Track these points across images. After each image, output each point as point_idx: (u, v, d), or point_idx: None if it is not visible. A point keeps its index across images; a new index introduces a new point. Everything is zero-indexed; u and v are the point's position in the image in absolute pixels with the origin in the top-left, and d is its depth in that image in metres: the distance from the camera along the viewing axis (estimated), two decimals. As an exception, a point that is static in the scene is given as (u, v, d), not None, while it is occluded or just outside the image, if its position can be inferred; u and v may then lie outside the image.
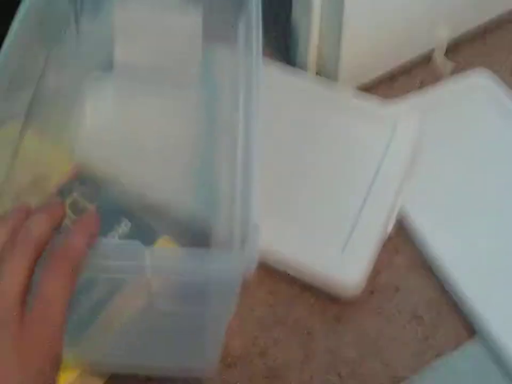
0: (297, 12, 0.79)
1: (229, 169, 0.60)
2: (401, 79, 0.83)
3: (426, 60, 0.84)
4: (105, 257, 0.43)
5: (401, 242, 0.69)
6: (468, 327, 0.64)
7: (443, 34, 0.83)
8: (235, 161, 0.57)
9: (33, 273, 0.39)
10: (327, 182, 0.70)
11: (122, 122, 0.70)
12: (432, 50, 0.84)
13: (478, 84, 0.80)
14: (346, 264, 0.64)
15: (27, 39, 0.58)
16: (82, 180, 0.63)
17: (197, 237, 0.62)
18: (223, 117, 0.69)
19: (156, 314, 0.51)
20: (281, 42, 0.82)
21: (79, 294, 0.40)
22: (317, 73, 0.80)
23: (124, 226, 0.60)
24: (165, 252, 0.45)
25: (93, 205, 0.62)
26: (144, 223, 0.61)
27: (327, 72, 0.79)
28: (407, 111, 0.75)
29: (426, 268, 0.67)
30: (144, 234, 0.60)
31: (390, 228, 0.68)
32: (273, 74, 0.77)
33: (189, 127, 0.69)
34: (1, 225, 0.41)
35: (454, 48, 0.85)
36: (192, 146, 0.68)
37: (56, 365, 0.39)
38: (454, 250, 0.67)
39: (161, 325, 0.52)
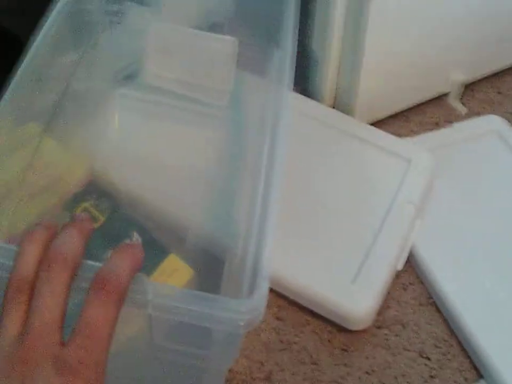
0: (316, 44, 0.79)
1: (249, 200, 0.59)
2: (416, 118, 0.83)
3: (441, 101, 0.84)
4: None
5: (411, 279, 0.68)
6: (474, 370, 0.63)
7: (458, 78, 0.84)
8: (256, 192, 0.56)
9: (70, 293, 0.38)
10: (341, 213, 0.69)
11: (144, 139, 0.68)
12: (448, 93, 0.84)
13: (490, 129, 0.80)
14: (355, 296, 0.63)
15: (56, 42, 0.57)
16: (96, 189, 0.62)
17: (208, 261, 0.61)
18: (248, 147, 0.68)
19: (153, 348, 0.49)
20: (298, 71, 0.82)
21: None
22: (332, 106, 0.80)
23: (135, 241, 0.59)
24: (169, 290, 0.43)
25: (104, 216, 0.61)
26: (154, 240, 0.60)
27: (342, 105, 0.79)
28: (421, 148, 0.74)
29: (434, 307, 0.66)
30: (153, 250, 0.59)
31: (401, 264, 0.67)
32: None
33: (213, 153, 0.69)
34: (29, 241, 0.40)
35: (469, 91, 0.86)
36: (213, 172, 0.67)
37: None
38: (463, 291, 0.66)
39: (158, 362, 0.50)
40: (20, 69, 0.53)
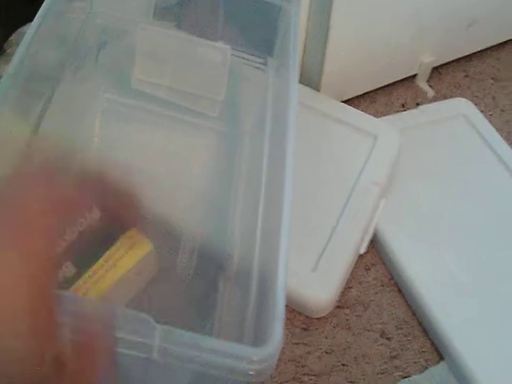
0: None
1: (251, 207, 0.58)
2: (382, 99, 0.82)
3: (408, 83, 0.84)
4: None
5: (374, 259, 0.68)
6: (435, 351, 0.62)
7: (427, 61, 0.83)
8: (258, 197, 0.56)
9: None
10: (303, 194, 0.67)
11: (130, 146, 0.65)
12: (415, 75, 0.84)
13: (457, 112, 0.80)
14: (316, 285, 0.62)
15: (47, 39, 0.55)
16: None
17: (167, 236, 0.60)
18: (245, 153, 0.66)
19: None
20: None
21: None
22: (299, 82, 0.79)
23: (94, 215, 0.58)
24: (178, 335, 0.39)
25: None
26: (114, 214, 0.58)
27: (308, 82, 0.78)
28: (388, 126, 0.73)
29: (397, 288, 0.66)
30: (113, 224, 0.57)
31: (364, 247, 0.66)
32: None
33: (208, 158, 0.66)
34: None
35: (437, 74, 0.85)
36: (208, 178, 0.65)
37: None
38: (425, 272, 0.65)
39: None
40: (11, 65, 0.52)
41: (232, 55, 0.65)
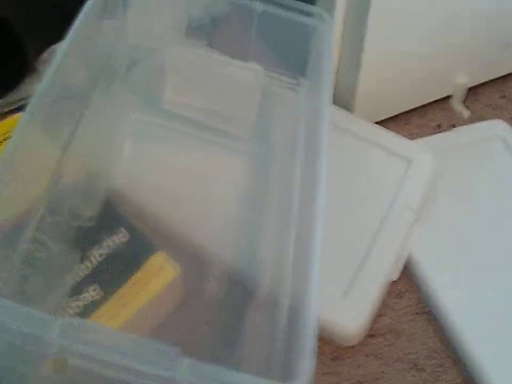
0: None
1: (282, 230, 0.57)
2: (417, 120, 0.81)
3: (443, 104, 0.82)
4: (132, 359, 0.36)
5: (406, 287, 0.66)
6: (469, 382, 0.60)
7: (462, 81, 0.82)
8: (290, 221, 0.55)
9: None
10: (335, 219, 0.65)
11: (164, 167, 0.65)
12: (450, 96, 0.82)
13: (493, 134, 0.78)
14: (347, 312, 0.60)
15: (78, 57, 0.55)
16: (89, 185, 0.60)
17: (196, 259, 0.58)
18: (276, 176, 0.65)
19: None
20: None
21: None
22: (333, 103, 0.78)
23: (122, 237, 0.57)
24: (205, 370, 0.37)
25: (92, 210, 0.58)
26: (142, 236, 0.58)
27: (342, 103, 0.76)
28: (423, 149, 0.72)
29: (430, 316, 0.64)
30: (141, 247, 0.57)
31: (396, 273, 0.64)
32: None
33: (239, 181, 0.65)
34: None
35: (473, 95, 0.84)
36: (239, 201, 0.64)
37: None
38: (459, 301, 0.63)
39: None
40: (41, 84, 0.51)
41: (264, 75, 0.64)
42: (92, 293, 0.53)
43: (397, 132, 0.75)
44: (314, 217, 0.48)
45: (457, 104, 0.82)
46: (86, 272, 0.54)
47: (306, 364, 0.39)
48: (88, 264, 0.54)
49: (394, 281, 0.65)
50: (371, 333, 0.62)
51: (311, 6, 0.63)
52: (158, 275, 0.55)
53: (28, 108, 0.49)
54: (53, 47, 0.70)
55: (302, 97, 0.65)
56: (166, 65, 0.65)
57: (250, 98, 0.65)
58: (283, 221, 0.57)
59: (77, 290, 0.53)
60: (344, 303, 0.60)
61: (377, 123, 0.76)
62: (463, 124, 0.80)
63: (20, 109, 0.65)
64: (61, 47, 0.54)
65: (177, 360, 0.37)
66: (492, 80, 0.85)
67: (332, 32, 0.62)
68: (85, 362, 0.37)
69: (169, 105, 0.65)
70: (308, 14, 0.62)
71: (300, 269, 0.50)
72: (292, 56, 0.65)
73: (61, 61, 0.53)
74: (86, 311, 0.52)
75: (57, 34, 0.62)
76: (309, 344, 0.40)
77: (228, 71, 0.65)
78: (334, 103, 0.77)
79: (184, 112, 0.65)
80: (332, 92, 0.76)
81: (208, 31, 0.67)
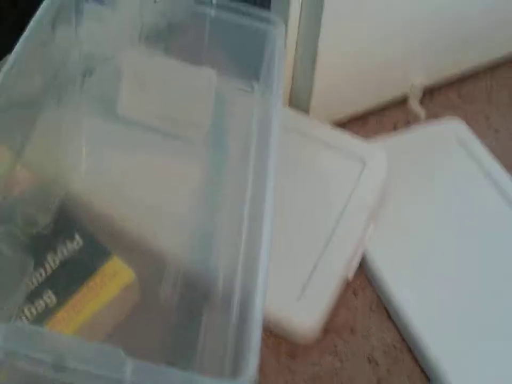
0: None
1: (234, 232, 0.58)
2: (374, 119, 0.82)
3: (400, 102, 0.83)
4: (77, 360, 0.37)
5: (362, 284, 0.67)
6: (424, 377, 0.61)
7: (419, 81, 0.83)
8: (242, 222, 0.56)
9: None
10: (290, 220, 0.67)
11: (120, 172, 0.65)
12: (407, 94, 0.83)
13: (449, 133, 0.79)
14: (301, 313, 0.61)
15: (30, 66, 0.56)
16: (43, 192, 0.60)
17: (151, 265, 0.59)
18: (230, 179, 0.65)
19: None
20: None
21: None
22: (289, 105, 0.79)
23: (77, 242, 0.58)
24: (150, 369, 0.38)
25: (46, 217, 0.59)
26: (96, 242, 0.58)
27: (297, 105, 0.77)
28: (377, 149, 0.73)
29: (385, 313, 0.65)
30: (95, 253, 0.57)
31: (351, 273, 0.66)
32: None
33: (193, 184, 0.66)
34: None
35: (429, 94, 0.85)
36: (193, 204, 0.65)
37: None
38: (414, 298, 0.65)
39: None
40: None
41: (217, 80, 0.65)
42: (46, 300, 0.53)
43: (354, 132, 0.76)
44: (264, 217, 0.49)
45: (414, 104, 0.83)
46: (40, 279, 0.54)
47: (250, 362, 0.39)
48: (43, 271, 0.55)
49: (350, 279, 0.66)
50: (326, 330, 0.63)
51: (263, 11, 0.64)
52: (113, 280, 0.55)
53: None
54: (7, 57, 0.71)
55: (256, 101, 0.65)
56: (121, 71, 0.65)
57: (204, 103, 0.65)
58: (235, 222, 0.58)
59: (31, 297, 0.53)
60: (299, 301, 0.61)
61: (334, 123, 0.78)
62: (419, 124, 0.81)
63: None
64: (12, 55, 0.54)
65: (121, 361, 0.38)
66: (448, 80, 0.87)
67: (283, 36, 0.62)
68: (31, 366, 0.38)
69: (125, 111, 0.66)
70: (261, 19, 0.63)
71: (249, 267, 0.51)
72: (245, 60, 0.66)
73: (11, 68, 0.53)
74: (41, 318, 0.53)
75: (10, 45, 0.63)
76: (253, 342, 0.41)
77: (182, 76, 0.66)
78: (290, 105, 0.78)
79: (140, 117, 0.66)
80: (288, 95, 0.77)
81: (164, 37, 0.68)
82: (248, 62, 0.66)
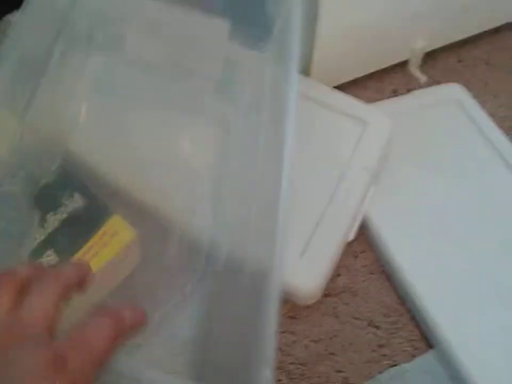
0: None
1: (244, 192, 0.57)
2: (374, 85, 0.81)
3: (400, 68, 0.83)
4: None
5: (362, 246, 0.67)
6: (424, 340, 0.62)
7: (419, 46, 0.82)
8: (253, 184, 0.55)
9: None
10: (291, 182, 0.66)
11: (122, 128, 0.64)
12: (407, 60, 0.83)
13: (450, 98, 0.79)
14: (303, 272, 0.61)
15: (35, 26, 0.55)
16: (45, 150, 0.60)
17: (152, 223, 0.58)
18: (240, 136, 0.64)
19: None
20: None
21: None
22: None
23: (77, 202, 0.57)
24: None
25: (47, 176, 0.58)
26: (97, 201, 0.58)
27: (299, 67, 0.76)
28: (378, 112, 0.72)
29: (386, 275, 0.65)
30: (96, 211, 0.57)
31: (352, 233, 0.65)
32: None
33: (199, 141, 0.65)
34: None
35: (430, 60, 0.84)
36: (200, 162, 0.64)
37: None
38: (415, 260, 0.65)
39: None
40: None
41: (230, 33, 0.64)
42: (47, 258, 0.53)
43: (354, 97, 0.75)
44: (281, 180, 0.48)
45: (414, 69, 0.83)
46: (41, 238, 0.54)
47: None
48: (44, 230, 0.54)
49: (350, 242, 0.66)
50: (327, 292, 0.63)
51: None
52: (114, 239, 0.55)
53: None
54: (7, 16, 0.70)
55: (268, 59, 0.64)
56: (131, 21, 0.64)
57: (216, 54, 0.64)
58: (245, 183, 0.57)
59: (33, 256, 0.53)
60: (300, 263, 0.61)
61: (334, 88, 0.77)
62: (420, 89, 0.80)
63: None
64: (17, 17, 0.53)
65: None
66: (448, 45, 0.86)
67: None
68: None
69: (132, 60, 0.64)
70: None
71: (263, 236, 0.50)
72: (257, 18, 0.65)
73: (17, 31, 0.53)
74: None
75: (10, 4, 0.62)
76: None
77: (194, 26, 0.64)
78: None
79: (148, 67, 0.64)
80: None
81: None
82: (261, 21, 0.64)
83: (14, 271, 0.37)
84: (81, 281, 0.39)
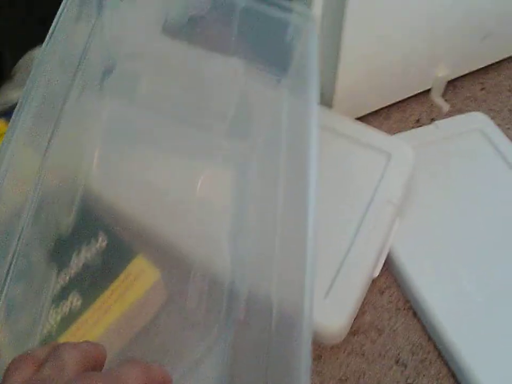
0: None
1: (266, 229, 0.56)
2: (397, 115, 0.81)
3: (423, 97, 0.82)
4: None
5: (388, 282, 0.66)
6: (452, 377, 0.61)
7: (442, 75, 0.82)
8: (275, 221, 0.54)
9: None
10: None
11: (141, 166, 0.63)
12: (430, 89, 0.82)
13: (473, 127, 0.78)
14: (328, 312, 0.60)
15: (55, 62, 0.55)
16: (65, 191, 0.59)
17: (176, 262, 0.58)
18: (257, 173, 0.64)
19: None
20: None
21: None
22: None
23: (101, 241, 0.57)
24: None
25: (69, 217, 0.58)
26: (121, 241, 0.58)
27: (321, 99, 0.76)
28: (402, 143, 0.71)
29: (412, 312, 0.64)
30: (120, 252, 0.56)
31: (377, 270, 0.64)
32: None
33: (218, 179, 0.64)
34: None
35: (452, 88, 0.83)
36: (218, 200, 0.63)
37: None
38: (441, 296, 0.64)
39: None
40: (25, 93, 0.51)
41: (245, 71, 0.64)
42: (72, 301, 0.53)
43: (377, 127, 0.74)
44: (306, 217, 0.48)
45: (437, 98, 0.82)
46: (65, 281, 0.54)
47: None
48: (68, 273, 0.54)
49: (376, 278, 0.65)
50: (353, 331, 0.62)
51: (294, 3, 0.62)
52: (139, 280, 0.54)
53: (14, 118, 0.49)
54: (30, 52, 0.70)
55: (284, 95, 0.64)
56: (143, 61, 0.64)
57: (230, 94, 0.64)
58: (268, 221, 0.56)
59: (56, 299, 0.52)
60: (326, 302, 0.60)
61: (357, 119, 0.76)
62: (443, 118, 0.80)
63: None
64: (40, 54, 0.53)
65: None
66: (471, 73, 0.85)
67: (315, 30, 0.61)
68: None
69: (146, 101, 0.64)
70: (291, 11, 0.62)
71: (290, 273, 0.49)
72: (274, 53, 0.64)
73: (40, 67, 0.52)
74: (67, 320, 0.52)
75: (32, 40, 0.62)
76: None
77: (207, 66, 0.64)
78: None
79: (162, 107, 0.64)
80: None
81: (189, 29, 0.67)
82: (277, 55, 0.64)
83: (33, 351, 0.36)
84: (99, 356, 0.38)
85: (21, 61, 0.69)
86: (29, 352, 0.36)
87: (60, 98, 0.58)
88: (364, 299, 0.63)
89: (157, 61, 0.65)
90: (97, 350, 0.37)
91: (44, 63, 0.55)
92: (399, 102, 0.81)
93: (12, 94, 0.68)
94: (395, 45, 0.74)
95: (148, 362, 0.37)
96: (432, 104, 0.82)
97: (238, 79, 0.64)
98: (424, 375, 0.61)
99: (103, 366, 0.38)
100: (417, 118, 0.80)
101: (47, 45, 0.56)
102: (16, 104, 0.51)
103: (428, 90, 0.82)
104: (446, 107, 0.81)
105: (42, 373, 0.34)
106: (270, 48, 0.64)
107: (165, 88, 0.65)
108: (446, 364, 0.61)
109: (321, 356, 0.61)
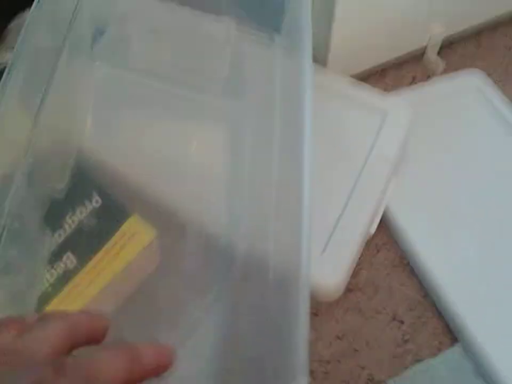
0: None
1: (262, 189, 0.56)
2: (392, 73, 0.80)
3: (418, 56, 0.81)
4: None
5: (384, 239, 0.66)
6: (449, 333, 0.61)
7: (437, 32, 0.81)
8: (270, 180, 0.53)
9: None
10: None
11: (134, 126, 0.63)
12: (425, 47, 0.81)
13: (470, 84, 0.77)
14: (325, 268, 0.59)
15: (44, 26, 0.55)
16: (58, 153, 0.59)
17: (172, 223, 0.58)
18: (252, 132, 0.63)
19: None
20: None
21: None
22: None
23: (95, 202, 0.57)
24: None
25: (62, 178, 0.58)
26: (115, 201, 0.57)
27: (315, 57, 0.75)
28: (398, 101, 0.71)
29: (409, 269, 0.64)
30: (114, 212, 0.56)
31: (373, 227, 0.64)
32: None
33: (212, 138, 0.64)
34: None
35: (448, 46, 0.83)
36: (212, 160, 0.63)
37: None
38: (438, 253, 0.64)
39: None
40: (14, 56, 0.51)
41: (236, 30, 0.63)
42: (66, 262, 0.53)
43: (373, 86, 0.74)
44: (301, 175, 0.47)
45: (432, 56, 0.81)
46: (60, 241, 0.53)
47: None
48: (62, 233, 0.54)
49: (372, 236, 0.64)
50: (350, 288, 0.62)
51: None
52: (133, 240, 0.54)
53: (4, 79, 0.49)
54: (20, 15, 0.69)
55: (278, 54, 0.63)
56: (135, 23, 0.64)
57: (222, 54, 0.63)
58: (263, 180, 0.56)
59: (51, 259, 0.52)
60: (322, 259, 0.60)
61: (351, 77, 0.76)
62: (439, 76, 0.79)
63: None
64: (30, 15, 0.53)
65: None
66: (467, 31, 0.84)
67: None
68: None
69: (138, 63, 0.64)
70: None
71: (287, 230, 0.49)
72: (266, 11, 0.63)
73: (30, 29, 0.52)
74: (62, 280, 0.52)
75: (23, 2, 0.61)
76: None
77: (198, 26, 0.63)
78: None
79: (154, 69, 0.64)
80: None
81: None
82: (269, 14, 0.63)
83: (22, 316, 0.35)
84: (93, 330, 0.35)
85: (12, 24, 0.69)
86: (18, 317, 0.35)
87: (51, 60, 0.58)
88: (361, 256, 0.63)
89: (148, 22, 0.64)
90: (93, 322, 0.35)
91: (34, 24, 0.54)
92: (395, 60, 0.80)
93: (4, 56, 0.68)
94: (390, 2, 0.73)
95: (139, 345, 0.35)
96: (428, 63, 0.81)
97: (230, 39, 0.64)
98: (421, 332, 0.61)
99: (103, 338, 0.35)
100: (412, 76, 0.80)
101: (36, 6, 0.55)
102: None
103: (424, 51, 0.81)
104: (441, 65, 0.81)
105: (19, 343, 0.32)
106: (262, 7, 0.63)
107: (157, 50, 0.64)
108: (442, 320, 0.61)
109: (317, 313, 0.61)
